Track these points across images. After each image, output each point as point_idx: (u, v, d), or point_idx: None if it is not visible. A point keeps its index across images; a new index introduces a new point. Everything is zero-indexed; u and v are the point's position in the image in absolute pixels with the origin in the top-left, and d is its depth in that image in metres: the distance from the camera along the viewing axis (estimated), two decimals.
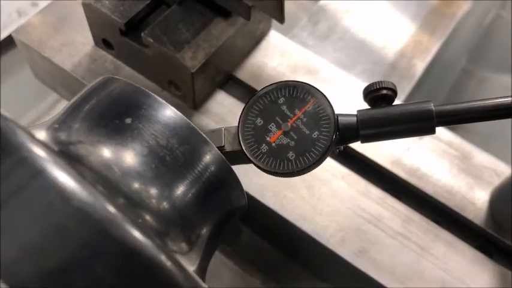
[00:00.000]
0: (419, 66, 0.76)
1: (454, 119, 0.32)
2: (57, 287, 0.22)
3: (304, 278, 0.54)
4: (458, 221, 0.50)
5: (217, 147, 0.33)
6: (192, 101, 0.52)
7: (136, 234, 0.25)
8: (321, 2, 0.81)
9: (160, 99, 0.30)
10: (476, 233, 0.50)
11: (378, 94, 0.33)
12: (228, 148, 0.35)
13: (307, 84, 0.34)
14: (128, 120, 0.28)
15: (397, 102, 0.61)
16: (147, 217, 0.28)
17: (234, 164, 0.34)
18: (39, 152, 0.25)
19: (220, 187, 0.32)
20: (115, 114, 0.29)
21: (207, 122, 0.53)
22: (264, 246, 0.55)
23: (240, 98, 0.55)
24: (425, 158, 0.52)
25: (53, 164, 0.24)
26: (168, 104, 0.30)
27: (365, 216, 0.49)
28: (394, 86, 0.34)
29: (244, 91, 0.56)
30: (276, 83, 0.35)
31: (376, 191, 0.50)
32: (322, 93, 0.34)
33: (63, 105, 0.95)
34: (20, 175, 0.24)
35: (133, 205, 0.28)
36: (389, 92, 0.33)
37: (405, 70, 0.75)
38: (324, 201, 0.49)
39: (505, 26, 1.03)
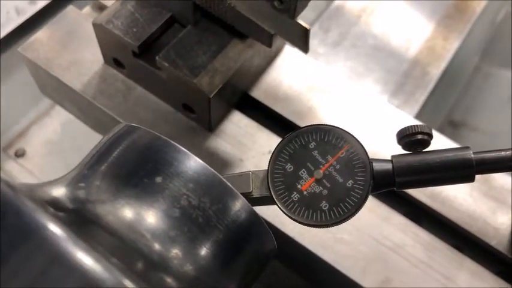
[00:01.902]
0: (434, 74, 0.75)
1: (495, 167, 0.31)
2: None
3: None
4: (481, 247, 0.49)
5: (244, 193, 0.32)
6: (208, 124, 0.51)
7: None
8: (331, 7, 0.79)
9: (190, 153, 0.29)
10: (500, 260, 0.49)
11: (413, 139, 0.32)
12: (256, 194, 0.33)
13: (340, 128, 0.33)
14: (159, 179, 0.27)
15: (410, 114, 0.60)
16: (170, 280, 0.26)
17: (258, 205, 0.33)
18: (55, 232, 0.22)
19: (250, 241, 0.30)
20: (144, 173, 0.27)
21: (224, 145, 0.51)
22: (282, 271, 0.54)
23: (255, 119, 0.54)
24: None
25: (71, 245, 0.22)
26: (198, 159, 0.28)
27: (387, 244, 0.48)
28: (430, 129, 0.32)
29: (260, 111, 0.55)
30: (307, 126, 0.33)
31: (397, 216, 0.49)
32: (356, 138, 0.32)
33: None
34: (38, 260, 0.22)
35: (155, 269, 0.26)
36: (425, 137, 0.32)
37: (419, 79, 0.74)
38: (343, 228, 0.48)
39: None
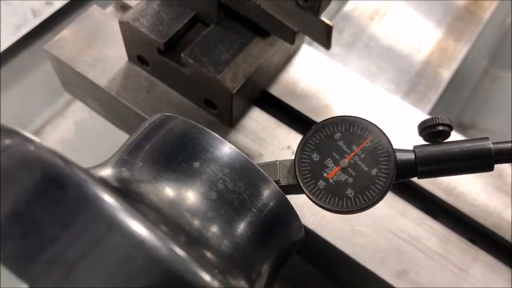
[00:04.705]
0: (445, 74, 0.76)
1: None
2: None
3: None
4: (495, 240, 0.50)
5: None
6: (229, 119, 0.52)
7: (204, 275, 0.25)
8: (345, 9, 0.81)
9: (225, 140, 0.30)
10: None
11: (434, 130, 0.33)
12: (283, 182, 0.35)
13: (365, 119, 0.34)
14: (196, 164, 0.29)
15: (423, 112, 0.61)
16: (209, 255, 0.28)
17: (285, 194, 0.35)
18: (110, 202, 0.24)
19: (281, 224, 0.32)
20: (183, 158, 0.29)
21: (244, 140, 0.53)
22: (300, 263, 0.55)
23: (274, 115, 0.55)
24: (461, 177, 0.52)
25: (125, 214, 0.24)
26: (233, 146, 0.30)
27: (403, 237, 0.49)
28: (451, 121, 0.34)
29: (278, 107, 0.56)
30: (333, 117, 0.35)
31: (413, 210, 0.51)
32: (380, 129, 0.34)
33: (78, 106, 0.95)
34: (94, 229, 0.23)
35: (195, 243, 0.28)
36: (445, 128, 0.33)
37: (431, 79, 0.75)
38: (362, 221, 0.50)
39: None
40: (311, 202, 0.39)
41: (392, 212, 0.50)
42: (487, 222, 0.50)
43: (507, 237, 0.50)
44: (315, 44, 0.55)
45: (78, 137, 0.99)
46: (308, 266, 0.55)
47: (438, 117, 0.34)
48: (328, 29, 0.39)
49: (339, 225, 0.49)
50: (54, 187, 0.22)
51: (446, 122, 0.34)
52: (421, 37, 0.79)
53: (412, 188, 0.52)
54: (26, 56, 0.98)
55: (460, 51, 0.79)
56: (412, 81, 0.75)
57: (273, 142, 0.54)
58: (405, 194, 0.52)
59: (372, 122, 0.34)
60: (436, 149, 0.33)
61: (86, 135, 0.98)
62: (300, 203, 0.50)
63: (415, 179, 0.51)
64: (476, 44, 0.83)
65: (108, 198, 0.22)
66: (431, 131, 0.34)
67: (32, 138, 0.23)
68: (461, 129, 0.95)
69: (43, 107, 1.00)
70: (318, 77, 0.58)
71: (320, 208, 0.47)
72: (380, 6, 0.81)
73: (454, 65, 0.77)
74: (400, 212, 0.51)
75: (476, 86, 0.99)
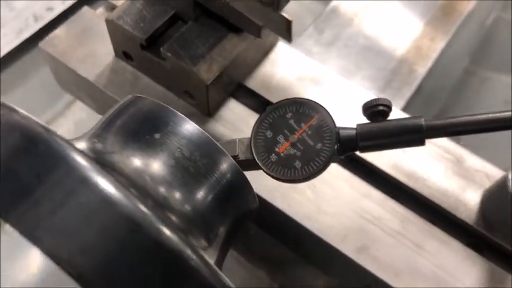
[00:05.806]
0: (420, 72, 0.80)
1: (442, 133, 0.36)
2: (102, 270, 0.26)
3: (309, 272, 0.59)
4: (452, 220, 0.54)
5: (231, 156, 0.37)
6: (207, 109, 0.57)
7: (167, 231, 0.29)
8: (326, 11, 0.85)
9: (184, 116, 0.35)
10: (468, 232, 0.54)
11: (375, 110, 0.38)
12: (241, 157, 0.39)
13: (313, 101, 0.39)
14: (157, 136, 0.33)
15: (397, 108, 0.65)
16: (173, 217, 0.33)
17: (246, 170, 0.39)
18: (83, 161, 0.28)
19: (235, 192, 0.36)
20: (146, 131, 0.33)
21: (221, 129, 0.57)
22: (272, 242, 0.59)
23: (250, 106, 0.60)
24: (421, 162, 0.56)
25: (95, 172, 0.28)
26: (191, 121, 0.34)
27: (366, 217, 0.53)
28: (390, 102, 0.38)
29: (254, 99, 0.60)
30: (286, 99, 0.39)
31: (376, 193, 0.55)
32: (325, 109, 0.38)
33: (78, 106, 1.00)
34: (68, 183, 0.28)
35: (160, 207, 0.32)
36: (385, 108, 0.38)
37: (406, 76, 0.79)
38: (328, 202, 0.54)
39: (506, 28, 1.07)
40: (280, 184, 0.43)
41: (357, 194, 0.55)
42: (445, 204, 0.54)
43: (463, 216, 0.54)
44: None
45: (77, 135, 1.03)
46: (279, 245, 0.59)
47: (379, 99, 0.38)
48: (288, 23, 0.44)
49: (305, 206, 0.53)
50: (33, 146, 0.26)
51: (386, 103, 0.38)
52: (398, 37, 0.84)
53: (375, 172, 0.56)
54: (28, 59, 1.03)
55: (435, 49, 0.83)
56: (387, 78, 0.79)
57: (248, 131, 0.57)
58: (369, 178, 0.56)
59: (319, 103, 0.38)
60: (376, 126, 0.37)
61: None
62: (270, 185, 0.54)
63: (380, 163, 0.55)
64: (453, 42, 0.87)
65: (81, 159, 0.27)
66: (372, 110, 0.38)
67: (16, 109, 0.28)
68: None
69: (44, 108, 1.06)
70: (292, 72, 0.62)
71: (287, 184, 0.50)
72: (360, 8, 0.85)
73: (429, 63, 0.81)
74: (364, 195, 0.55)
75: (465, 86, 1.03)
